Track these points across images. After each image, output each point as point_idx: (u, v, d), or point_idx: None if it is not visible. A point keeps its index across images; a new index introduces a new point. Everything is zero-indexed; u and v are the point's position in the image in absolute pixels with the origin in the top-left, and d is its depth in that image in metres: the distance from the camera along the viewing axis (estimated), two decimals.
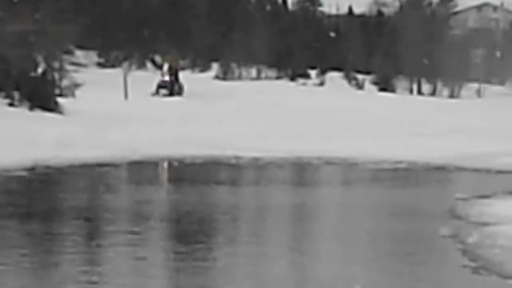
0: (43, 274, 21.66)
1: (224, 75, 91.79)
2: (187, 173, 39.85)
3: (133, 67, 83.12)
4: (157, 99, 65.56)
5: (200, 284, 20.39)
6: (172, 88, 67.09)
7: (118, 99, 56.20)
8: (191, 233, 27.13)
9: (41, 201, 32.12)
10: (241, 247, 25.63)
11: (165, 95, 66.36)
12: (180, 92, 67.83)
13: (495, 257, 21.79)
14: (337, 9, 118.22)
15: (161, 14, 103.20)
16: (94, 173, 36.44)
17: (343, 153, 45.75)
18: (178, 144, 47.60)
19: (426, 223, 28.32)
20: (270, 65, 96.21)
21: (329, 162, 44.36)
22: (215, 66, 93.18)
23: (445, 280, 20.97)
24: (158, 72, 76.19)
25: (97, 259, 23.35)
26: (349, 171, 41.87)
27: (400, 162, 44.39)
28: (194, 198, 34.18)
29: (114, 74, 73.03)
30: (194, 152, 45.26)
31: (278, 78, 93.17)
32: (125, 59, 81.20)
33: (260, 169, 39.33)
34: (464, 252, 22.94)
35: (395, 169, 42.52)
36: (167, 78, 69.12)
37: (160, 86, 67.96)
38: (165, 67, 70.36)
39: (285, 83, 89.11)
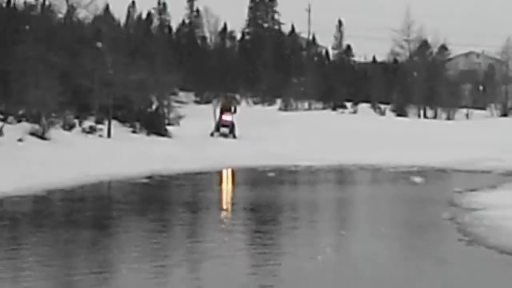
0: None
1: (285, 107, 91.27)
2: (261, 177, 39.95)
3: (220, 102, 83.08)
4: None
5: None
6: (233, 128, 56.49)
7: (209, 124, 56.25)
8: (270, 217, 27.82)
9: (159, 198, 32.65)
10: (303, 224, 26.20)
11: (226, 135, 56.40)
12: (234, 134, 56.66)
13: (482, 234, 21.88)
14: (365, 58, 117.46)
15: (239, 64, 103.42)
16: (195, 179, 36.81)
17: (371, 161, 45.96)
18: (254, 157, 47.74)
19: (432, 209, 28.52)
20: (318, 99, 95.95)
21: (362, 168, 44.85)
22: (278, 101, 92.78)
23: (446, 250, 21.14)
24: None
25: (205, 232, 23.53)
26: (376, 173, 42.17)
27: (412, 166, 44.51)
28: (268, 193, 34.91)
29: (206, 108, 72.92)
30: (265, 163, 45.33)
31: (323, 108, 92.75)
32: (214, 97, 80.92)
33: (313, 173, 40.20)
34: (459, 230, 23.08)
35: (409, 172, 42.53)
36: (229, 118, 57.08)
37: (224, 125, 56.75)
38: (226, 108, 58.96)
39: (328, 112, 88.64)
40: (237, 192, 37.07)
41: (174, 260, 19.72)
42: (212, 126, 56.49)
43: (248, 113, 67.44)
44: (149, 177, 37.76)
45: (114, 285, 16.85)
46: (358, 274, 18.64)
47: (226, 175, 41.62)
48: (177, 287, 17.11)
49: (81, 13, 78.93)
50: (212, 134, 56.55)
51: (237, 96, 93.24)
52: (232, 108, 58.69)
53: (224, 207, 32.01)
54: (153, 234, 23.99)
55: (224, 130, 56.50)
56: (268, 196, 34.15)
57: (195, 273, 18.51)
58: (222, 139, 55.91)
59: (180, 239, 23.34)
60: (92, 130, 51.98)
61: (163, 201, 32.21)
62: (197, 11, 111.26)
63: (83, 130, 51.41)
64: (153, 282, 17.00)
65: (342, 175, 41.35)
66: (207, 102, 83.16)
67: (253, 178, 40.70)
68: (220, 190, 37.42)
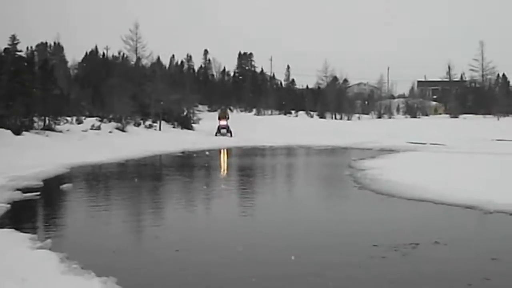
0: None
1: (258, 113, 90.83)
2: (244, 152, 39.59)
3: (218, 113, 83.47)
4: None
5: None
6: (228, 129, 54.32)
7: (216, 124, 56.02)
8: (248, 168, 27.32)
9: (188, 163, 32.33)
10: (266, 171, 25.83)
11: (224, 134, 53.96)
12: (231, 134, 54.22)
13: (367, 183, 21.81)
14: (302, 86, 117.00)
15: (232, 90, 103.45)
16: (209, 153, 36.15)
17: (305, 143, 45.70)
18: (240, 141, 47.58)
19: (338, 169, 28.23)
20: (276, 109, 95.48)
21: (300, 146, 44.44)
22: (254, 110, 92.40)
23: (346, 192, 20.97)
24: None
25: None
26: (308, 149, 41.69)
27: (328, 146, 44.26)
28: (248, 159, 34.31)
29: (214, 114, 72.49)
30: (246, 144, 45.13)
31: (279, 114, 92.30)
32: (218, 107, 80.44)
33: (273, 149, 39.12)
34: (354, 181, 22.88)
35: (327, 149, 42.26)
36: (224, 122, 54.80)
37: (222, 128, 54.49)
38: (222, 117, 56.41)
39: (282, 116, 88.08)
40: (230, 159, 36.80)
41: (196, 195, 19.82)
42: (216, 126, 54.78)
43: (236, 117, 67.00)
44: (182, 152, 37.79)
45: (163, 207, 16.94)
46: (291, 198, 18.81)
47: (224, 151, 41.49)
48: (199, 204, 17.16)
49: (144, 61, 78.97)
50: (216, 135, 53.72)
51: (231, 107, 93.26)
52: (227, 116, 56.05)
53: (223, 166, 32.05)
54: (184, 181, 24.14)
55: (223, 131, 54.14)
56: (247, 161, 33.86)
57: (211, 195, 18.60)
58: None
59: (198, 183, 23.44)
60: (150, 126, 52.12)
61: (190, 164, 32.14)
62: (209, 60, 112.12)
63: (145, 126, 51.49)
64: (183, 203, 17.09)
65: (289, 150, 41.15)
66: (215, 110, 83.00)
67: (239, 152, 40.56)
68: (221, 158, 37.37)
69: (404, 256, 11.24)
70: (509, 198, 16.69)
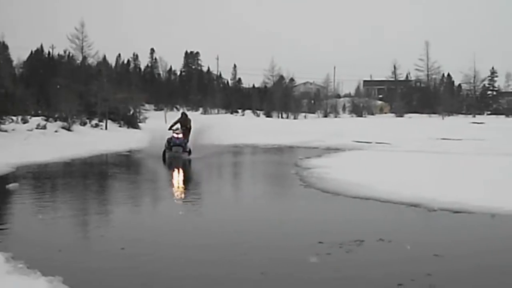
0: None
1: (205, 112, 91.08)
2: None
3: (168, 110, 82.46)
4: None
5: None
6: (185, 147, 33.14)
7: (162, 123, 55.65)
8: (194, 167, 27.27)
9: (134, 161, 32.13)
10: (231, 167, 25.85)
11: (177, 155, 32.79)
12: (189, 152, 33.19)
13: (313, 181, 21.93)
14: (249, 85, 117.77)
15: (179, 89, 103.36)
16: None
17: (252, 141, 45.83)
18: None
19: (285, 167, 28.39)
20: (223, 108, 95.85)
21: (246, 145, 44.42)
22: (201, 109, 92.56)
23: (293, 190, 21.12)
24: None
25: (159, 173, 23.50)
26: (254, 148, 41.69)
27: (274, 144, 44.45)
28: (194, 159, 32.75)
29: (161, 113, 72.34)
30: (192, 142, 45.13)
31: (226, 113, 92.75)
32: (165, 107, 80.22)
33: (219, 147, 37.61)
34: (300, 179, 22.95)
35: (273, 148, 42.46)
36: (180, 136, 33.21)
37: (175, 144, 32.93)
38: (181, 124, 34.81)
39: (229, 115, 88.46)
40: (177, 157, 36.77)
41: (142, 193, 19.78)
42: (163, 125, 52.75)
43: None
44: (129, 151, 37.57)
45: (111, 200, 16.90)
46: (236, 197, 18.93)
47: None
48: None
49: (90, 60, 78.57)
50: (164, 154, 32.88)
51: (177, 106, 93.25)
52: (188, 126, 35.35)
53: (168, 165, 31.92)
54: (130, 179, 23.99)
55: (177, 149, 32.96)
56: (193, 160, 33.77)
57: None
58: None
59: (145, 182, 23.41)
60: (96, 125, 51.82)
61: (136, 163, 31.99)
62: (155, 59, 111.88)
63: (92, 126, 51.17)
64: (129, 201, 17.06)
65: (235, 149, 41.07)
66: (161, 109, 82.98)
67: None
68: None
69: (348, 252, 11.40)
70: (453, 196, 16.99)
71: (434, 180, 21.14)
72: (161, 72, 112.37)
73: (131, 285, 9.74)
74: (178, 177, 26.57)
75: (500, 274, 10.41)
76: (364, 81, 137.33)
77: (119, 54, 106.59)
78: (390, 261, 11.02)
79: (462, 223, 14.76)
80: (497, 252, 11.90)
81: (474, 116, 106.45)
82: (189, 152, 33.23)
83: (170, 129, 34.15)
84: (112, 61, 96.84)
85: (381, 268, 10.57)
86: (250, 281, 9.87)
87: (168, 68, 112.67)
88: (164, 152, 32.90)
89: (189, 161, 31.51)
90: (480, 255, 11.58)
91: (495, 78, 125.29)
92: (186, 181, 25.07)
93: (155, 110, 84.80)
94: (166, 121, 60.93)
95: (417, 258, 11.21)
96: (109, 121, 53.34)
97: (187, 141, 33.82)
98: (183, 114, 36.50)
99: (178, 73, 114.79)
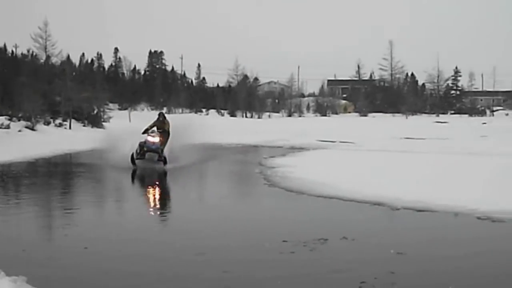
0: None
1: (169, 112, 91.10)
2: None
3: (132, 109, 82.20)
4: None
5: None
6: (161, 154, 27.67)
7: (126, 122, 55.53)
8: (158, 167, 27.22)
9: (98, 159, 31.47)
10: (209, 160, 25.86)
11: (152, 161, 27.55)
12: (165, 161, 27.80)
13: (277, 181, 22.02)
14: (213, 84, 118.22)
15: (143, 88, 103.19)
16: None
17: (216, 141, 45.33)
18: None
19: (249, 167, 28.34)
20: (187, 107, 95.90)
21: (212, 145, 43.77)
22: (165, 108, 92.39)
23: (258, 189, 21.23)
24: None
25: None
26: (219, 147, 41.31)
27: (239, 144, 44.47)
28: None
29: (125, 112, 72.15)
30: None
31: (190, 112, 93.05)
32: (129, 106, 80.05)
33: (184, 146, 37.60)
34: (265, 178, 23.01)
35: (237, 147, 42.49)
36: (156, 140, 27.52)
37: (149, 149, 27.34)
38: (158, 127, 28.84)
39: (193, 114, 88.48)
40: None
41: (106, 193, 19.68)
42: (127, 124, 52.10)
43: (147, 116, 66.49)
44: (91, 150, 37.33)
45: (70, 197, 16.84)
46: (199, 197, 18.95)
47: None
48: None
49: (54, 59, 78.12)
50: (133, 160, 27.40)
51: (141, 105, 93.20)
52: (167, 128, 29.33)
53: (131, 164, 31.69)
54: (94, 178, 23.91)
55: (151, 156, 27.42)
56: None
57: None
58: (137, 127, 51.38)
59: (109, 181, 23.33)
60: (60, 125, 51.56)
61: (98, 162, 31.67)
62: (119, 58, 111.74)
63: (56, 125, 50.90)
64: (93, 201, 17.00)
65: (198, 148, 40.66)
66: (125, 109, 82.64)
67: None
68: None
69: (312, 251, 11.46)
70: (416, 195, 17.16)
71: (397, 179, 21.27)
72: (125, 72, 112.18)
73: (94, 283, 9.73)
74: (142, 177, 26.48)
75: (460, 270, 10.56)
76: (328, 80, 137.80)
77: (83, 53, 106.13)
78: (354, 259, 11.09)
79: (425, 222, 14.86)
80: (458, 250, 12.05)
81: (438, 116, 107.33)
82: (165, 161, 27.51)
83: (144, 133, 27.78)
84: (76, 60, 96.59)
85: (345, 266, 10.64)
86: (212, 279, 9.89)
87: (132, 67, 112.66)
88: (133, 156, 27.23)
89: (165, 173, 26.69)
90: (443, 253, 11.68)
91: (459, 78, 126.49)
92: (150, 181, 25.04)
93: (119, 109, 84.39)
94: (130, 120, 60.83)
95: (380, 256, 11.32)
96: (73, 120, 53.08)
97: (164, 147, 27.90)
98: (161, 115, 30.06)
99: (142, 72, 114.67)
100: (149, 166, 27.23)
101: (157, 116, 29.90)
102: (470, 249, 12.20)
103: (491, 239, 13.06)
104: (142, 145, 27.31)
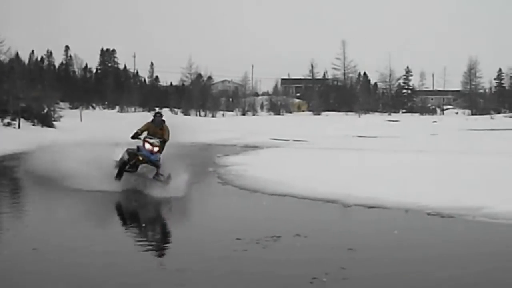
0: None
1: (121, 111, 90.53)
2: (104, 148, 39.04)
3: (83, 108, 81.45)
4: None
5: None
6: (158, 170, 19.50)
7: (78, 122, 55.15)
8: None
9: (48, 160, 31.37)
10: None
11: (154, 179, 19.21)
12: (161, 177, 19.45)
13: (231, 179, 22.19)
14: (166, 83, 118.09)
15: (95, 87, 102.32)
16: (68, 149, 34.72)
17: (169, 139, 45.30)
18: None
19: (202, 166, 27.99)
20: (140, 106, 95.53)
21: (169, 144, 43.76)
22: (117, 107, 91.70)
23: (212, 187, 21.32)
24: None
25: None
26: (170, 146, 40.98)
27: (193, 143, 44.14)
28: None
29: (76, 111, 71.60)
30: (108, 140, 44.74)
31: (143, 111, 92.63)
32: (80, 105, 79.46)
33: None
34: (218, 177, 23.24)
35: (190, 146, 42.20)
36: (156, 149, 19.51)
37: (145, 159, 19.24)
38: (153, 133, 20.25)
39: (146, 113, 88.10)
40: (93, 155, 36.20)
41: (56, 194, 19.50)
42: (79, 124, 52.39)
43: (99, 115, 66.25)
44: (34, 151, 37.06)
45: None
46: (150, 196, 18.66)
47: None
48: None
49: (2, 57, 77.07)
50: (117, 176, 19.67)
51: (93, 104, 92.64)
52: (166, 136, 20.72)
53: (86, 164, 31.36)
54: (44, 178, 23.56)
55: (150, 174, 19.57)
56: (109, 157, 33.24)
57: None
58: (86, 127, 46.68)
59: (59, 181, 23.10)
60: (9, 124, 50.94)
61: (48, 162, 31.36)
62: (70, 56, 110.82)
63: (4, 124, 50.33)
64: (43, 201, 16.85)
65: (182, 146, 40.53)
66: (76, 108, 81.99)
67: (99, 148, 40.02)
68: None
69: (265, 248, 11.55)
70: (367, 191, 17.36)
71: (350, 176, 21.45)
72: (76, 70, 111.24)
73: (42, 283, 9.67)
74: (94, 174, 26.28)
75: (410, 265, 10.75)
76: (282, 79, 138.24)
77: (33, 51, 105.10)
78: (306, 256, 11.23)
79: (377, 218, 15.09)
80: (408, 245, 12.30)
81: (390, 114, 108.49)
82: (168, 179, 19.54)
83: (134, 137, 19.95)
84: (25, 58, 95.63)
85: (297, 263, 10.78)
86: (165, 278, 9.93)
87: (83, 65, 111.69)
88: (122, 166, 19.85)
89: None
90: (393, 249, 11.96)
91: (410, 77, 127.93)
92: (104, 180, 24.83)
93: (70, 108, 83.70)
94: (81, 120, 60.37)
95: (332, 252, 11.48)
96: (22, 119, 52.48)
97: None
98: (157, 116, 21.13)
99: (94, 70, 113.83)
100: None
101: (151, 118, 21.09)
102: (419, 244, 12.38)
103: (439, 233, 13.38)
104: (135, 153, 19.56)
